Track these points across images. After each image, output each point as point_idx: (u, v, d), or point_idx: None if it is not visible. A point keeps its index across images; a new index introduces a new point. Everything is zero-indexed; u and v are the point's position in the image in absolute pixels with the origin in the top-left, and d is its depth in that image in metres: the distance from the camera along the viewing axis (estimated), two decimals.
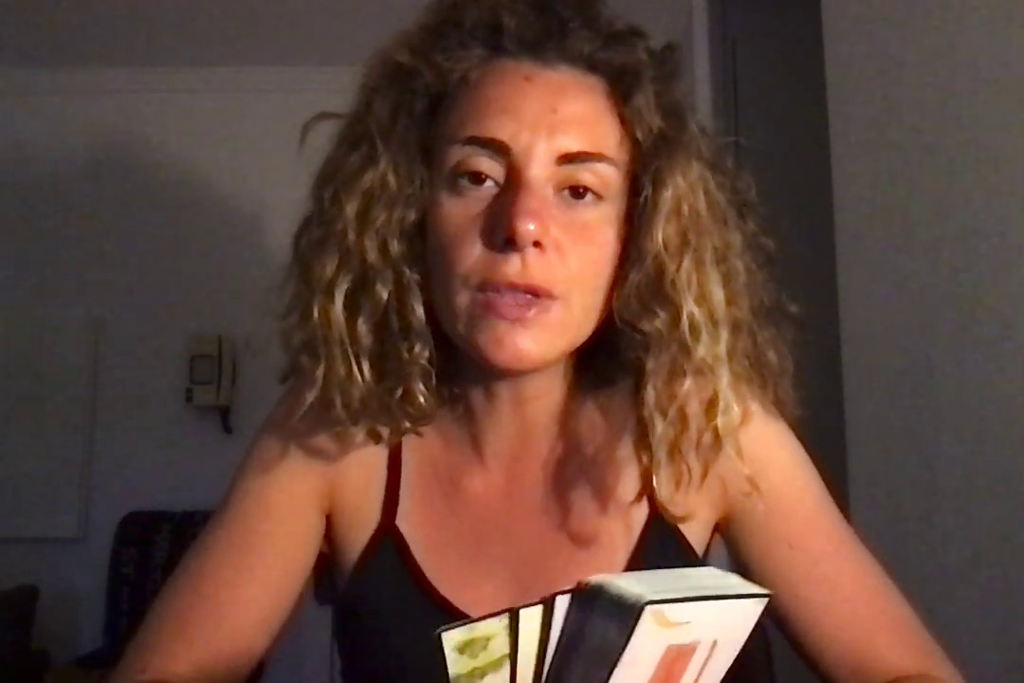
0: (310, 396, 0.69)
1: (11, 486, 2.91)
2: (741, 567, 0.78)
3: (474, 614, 0.71)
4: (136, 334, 3.04)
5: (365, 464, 0.77)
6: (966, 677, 0.73)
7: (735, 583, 0.47)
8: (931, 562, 1.26)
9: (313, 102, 0.74)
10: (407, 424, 0.72)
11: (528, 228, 0.62)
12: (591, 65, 0.68)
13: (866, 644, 0.73)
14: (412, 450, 0.77)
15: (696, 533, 0.76)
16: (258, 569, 0.74)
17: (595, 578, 0.45)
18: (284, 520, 0.76)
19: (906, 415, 1.36)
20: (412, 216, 0.69)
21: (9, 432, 2.96)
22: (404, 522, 0.75)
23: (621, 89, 0.69)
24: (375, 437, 0.73)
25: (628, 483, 0.74)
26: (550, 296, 0.65)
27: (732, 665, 0.48)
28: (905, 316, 1.37)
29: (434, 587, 0.73)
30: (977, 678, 0.75)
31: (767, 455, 0.75)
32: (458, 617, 0.71)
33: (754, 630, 0.47)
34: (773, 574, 0.75)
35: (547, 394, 0.75)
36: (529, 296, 0.64)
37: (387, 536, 0.75)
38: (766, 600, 0.46)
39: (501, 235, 0.63)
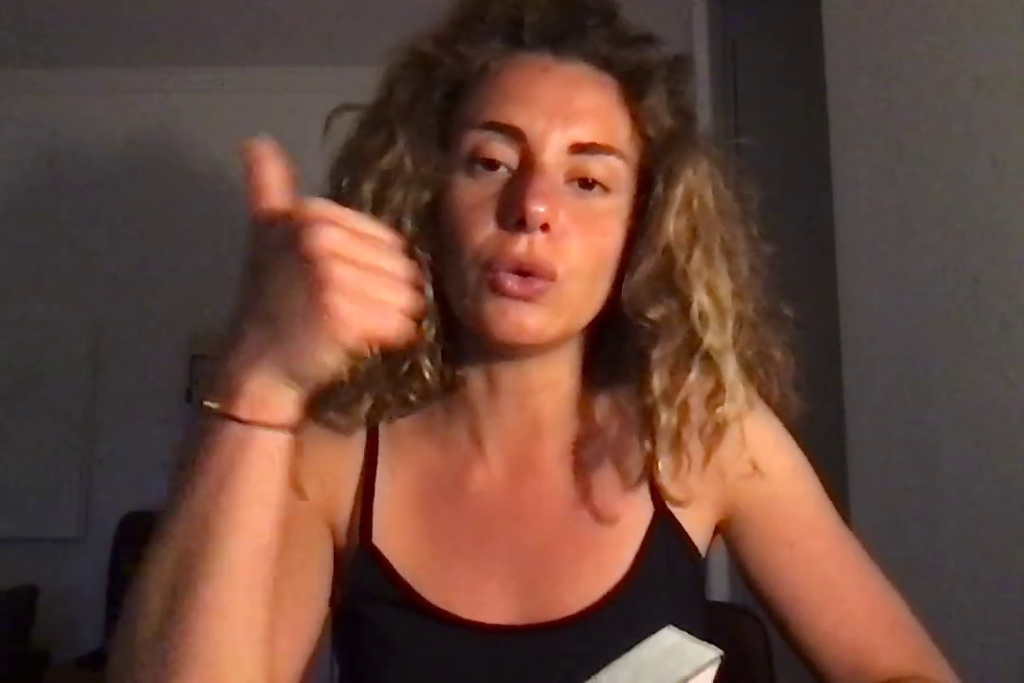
0: None
1: (11, 486, 2.91)
2: (741, 567, 0.78)
3: (477, 616, 0.71)
4: (136, 334, 3.04)
5: (346, 478, 0.76)
6: (966, 678, 0.73)
7: (688, 654, 0.47)
8: (931, 562, 1.26)
9: (320, 102, 0.75)
10: (412, 397, 0.73)
11: (538, 210, 0.64)
12: (606, 63, 0.71)
13: (863, 644, 0.73)
14: (401, 466, 0.76)
15: (699, 534, 0.76)
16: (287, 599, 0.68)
17: None
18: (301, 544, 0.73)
19: (906, 416, 1.36)
20: (427, 197, 0.71)
21: (9, 432, 2.95)
22: (381, 540, 0.74)
23: (634, 88, 0.71)
24: (374, 415, 0.73)
25: (635, 478, 0.74)
26: (552, 278, 0.66)
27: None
28: (905, 316, 1.37)
29: (426, 600, 0.71)
30: (978, 679, 0.75)
31: (768, 458, 0.75)
32: (455, 624, 0.71)
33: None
34: (772, 574, 0.76)
35: (552, 387, 0.75)
36: (531, 276, 0.66)
37: (365, 555, 0.74)
38: (719, 658, 0.46)
39: (513, 216, 0.65)
